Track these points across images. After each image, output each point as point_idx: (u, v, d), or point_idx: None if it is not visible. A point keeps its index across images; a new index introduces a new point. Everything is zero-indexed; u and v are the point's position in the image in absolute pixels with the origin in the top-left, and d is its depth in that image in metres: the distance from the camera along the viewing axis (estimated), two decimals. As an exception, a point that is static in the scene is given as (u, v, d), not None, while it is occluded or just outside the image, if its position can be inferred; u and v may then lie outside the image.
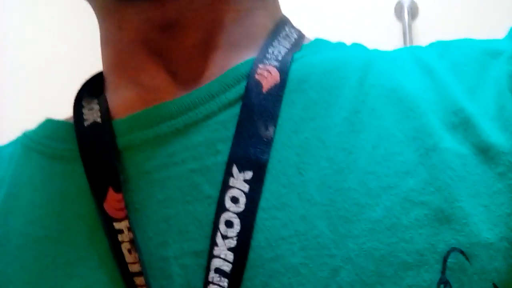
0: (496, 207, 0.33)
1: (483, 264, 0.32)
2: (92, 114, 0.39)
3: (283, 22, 0.43)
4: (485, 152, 0.34)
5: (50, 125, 0.42)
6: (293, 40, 0.41)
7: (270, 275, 0.32)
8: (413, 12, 1.52)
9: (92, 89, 0.43)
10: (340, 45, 0.43)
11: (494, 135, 0.34)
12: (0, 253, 0.38)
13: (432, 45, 0.42)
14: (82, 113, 0.40)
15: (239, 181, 0.34)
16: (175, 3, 0.38)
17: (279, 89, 0.37)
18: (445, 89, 0.36)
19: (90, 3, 0.42)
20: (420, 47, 0.42)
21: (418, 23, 1.51)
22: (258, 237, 0.33)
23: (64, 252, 0.36)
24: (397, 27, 1.51)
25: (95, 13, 0.42)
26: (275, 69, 0.37)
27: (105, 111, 0.39)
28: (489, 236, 0.32)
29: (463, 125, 0.35)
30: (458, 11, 1.48)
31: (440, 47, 0.41)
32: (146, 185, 0.36)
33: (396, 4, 1.53)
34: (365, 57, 0.40)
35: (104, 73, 0.43)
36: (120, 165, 0.37)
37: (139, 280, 0.33)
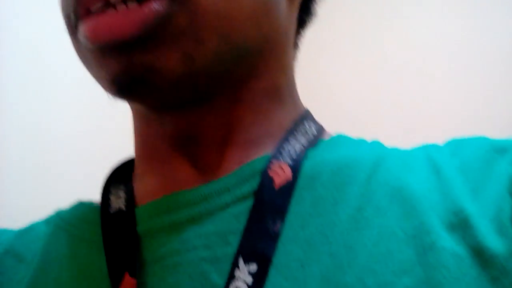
0: None
1: None
2: (117, 202, 0.43)
3: (302, 118, 0.45)
4: (481, 254, 0.35)
5: (81, 208, 0.45)
6: (311, 136, 0.44)
7: None
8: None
9: (121, 175, 0.46)
10: (360, 142, 0.45)
11: (490, 237, 0.35)
12: None
13: (448, 143, 0.43)
14: (109, 199, 0.43)
15: (244, 273, 0.36)
16: (197, 114, 0.42)
17: (290, 186, 0.39)
18: (449, 189, 0.38)
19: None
20: (435, 146, 0.43)
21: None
22: None
23: None
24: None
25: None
26: (288, 167, 0.40)
27: (130, 200, 0.43)
28: None
29: (461, 225, 0.36)
30: None
31: (454, 145, 0.42)
32: (159, 269, 0.38)
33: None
34: (377, 155, 0.41)
35: (135, 161, 0.47)
36: (138, 250, 0.39)
37: None
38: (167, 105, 0.41)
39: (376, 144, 0.45)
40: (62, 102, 1.55)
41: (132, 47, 0.36)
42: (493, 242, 0.35)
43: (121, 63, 0.36)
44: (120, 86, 0.38)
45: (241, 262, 0.36)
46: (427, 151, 0.42)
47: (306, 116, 0.46)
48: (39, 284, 0.42)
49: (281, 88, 0.45)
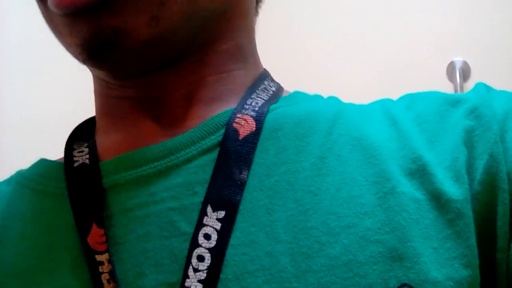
0: (445, 251, 0.35)
1: None
2: (81, 156, 0.43)
3: (262, 77, 0.47)
4: (438, 199, 0.37)
5: (43, 164, 0.46)
6: (271, 92, 0.46)
7: None
8: (465, 73, 1.53)
9: (84, 133, 0.47)
10: (316, 97, 0.47)
11: (446, 183, 0.37)
12: None
13: (402, 97, 0.46)
14: (73, 155, 0.44)
15: (212, 219, 0.37)
16: (161, 77, 0.43)
17: (254, 136, 0.41)
18: (407, 139, 0.40)
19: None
20: (390, 100, 0.45)
21: (469, 85, 1.52)
22: (227, 271, 0.36)
23: (49, 281, 0.39)
24: (448, 88, 1.52)
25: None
26: (252, 118, 0.41)
27: (93, 154, 0.43)
28: (437, 275, 0.34)
29: (419, 172, 0.38)
30: (511, 73, 1.47)
31: (408, 99, 0.44)
32: (128, 221, 0.39)
33: (448, 65, 1.55)
34: (337, 108, 0.43)
35: (96, 118, 0.48)
36: (105, 203, 0.40)
37: None
38: (133, 72, 0.42)
39: (334, 99, 0.47)
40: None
41: (99, 11, 0.37)
42: (449, 188, 0.37)
43: (90, 27, 0.38)
44: (89, 51, 0.39)
45: (209, 209, 0.37)
46: (383, 105, 0.44)
47: (266, 75, 0.48)
48: (2, 241, 0.42)
49: (244, 49, 0.46)
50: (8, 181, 0.48)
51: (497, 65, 1.52)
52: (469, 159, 0.38)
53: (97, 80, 0.47)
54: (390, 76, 1.56)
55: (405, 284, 0.34)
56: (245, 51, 0.47)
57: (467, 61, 1.54)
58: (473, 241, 0.36)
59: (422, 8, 1.60)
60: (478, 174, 0.37)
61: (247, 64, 0.47)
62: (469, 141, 0.38)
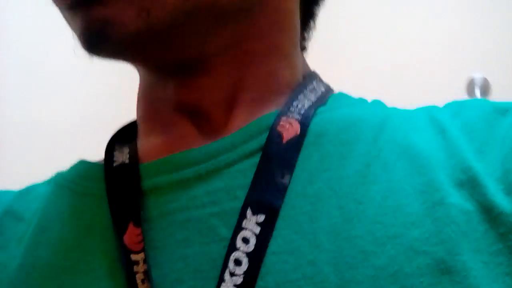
0: (495, 266, 0.34)
1: None
2: (121, 156, 0.43)
3: (311, 77, 0.46)
4: (489, 211, 0.35)
5: (83, 165, 0.46)
6: (320, 93, 0.44)
7: None
8: (485, 89, 1.52)
9: (126, 136, 0.47)
10: (361, 101, 0.46)
11: (498, 196, 0.35)
12: (26, 280, 0.41)
13: (448, 105, 0.44)
14: (113, 155, 0.43)
15: (252, 223, 0.36)
16: (197, 80, 0.43)
17: (298, 141, 0.39)
18: (455, 148, 0.38)
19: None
20: (436, 107, 0.44)
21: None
22: (267, 278, 0.34)
23: (85, 282, 0.38)
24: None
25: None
26: (296, 122, 0.40)
27: (134, 154, 0.43)
28: None
29: (469, 183, 0.36)
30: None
31: (455, 107, 0.43)
32: (167, 225, 0.38)
33: (469, 82, 1.54)
34: (382, 114, 0.42)
35: (137, 122, 0.48)
36: (144, 205, 0.40)
37: None
38: (148, 61, 0.43)
39: (378, 103, 0.46)
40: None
41: (92, 3, 0.37)
42: (501, 200, 0.35)
43: (83, 19, 0.38)
44: (85, 42, 0.39)
45: (249, 212, 0.36)
46: (429, 111, 0.43)
47: (314, 75, 0.47)
48: (40, 241, 0.42)
49: (283, 48, 0.45)
50: (48, 182, 0.48)
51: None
52: None
53: (141, 82, 0.47)
54: (409, 90, 1.55)
55: None
56: (286, 50, 0.45)
57: (487, 78, 1.53)
58: None
59: (443, 24, 1.59)
60: None
61: (290, 64, 0.45)
62: None
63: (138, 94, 0.47)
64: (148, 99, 0.46)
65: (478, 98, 1.45)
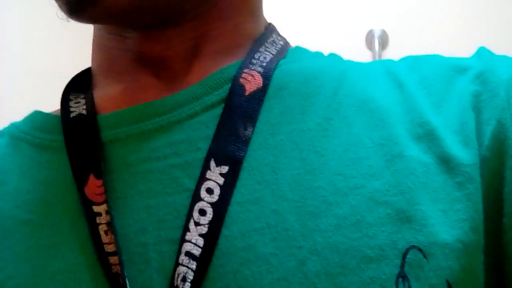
0: (454, 213, 0.35)
1: (439, 262, 0.34)
2: (78, 107, 0.42)
3: (270, 30, 0.46)
4: (447, 162, 0.37)
5: (38, 117, 0.44)
6: (279, 46, 0.45)
7: (241, 263, 0.34)
8: (384, 41, 1.57)
9: (80, 84, 0.45)
10: (319, 54, 0.46)
11: (455, 148, 0.37)
12: None
13: (403, 59, 0.45)
14: (69, 106, 0.42)
15: (215, 174, 0.36)
16: (162, 33, 0.42)
17: (261, 93, 0.40)
18: (413, 102, 0.39)
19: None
20: (392, 61, 0.45)
21: (388, 53, 1.56)
22: (232, 228, 0.35)
23: (47, 235, 0.38)
24: (367, 56, 1.56)
25: None
26: (259, 75, 0.40)
27: (91, 105, 0.42)
28: (446, 237, 0.35)
29: (427, 136, 0.38)
30: (427, 41, 1.53)
31: (411, 61, 0.44)
32: (129, 176, 0.38)
33: (367, 33, 1.58)
34: (341, 67, 0.43)
35: (92, 71, 0.46)
36: (104, 156, 0.39)
37: (113, 259, 0.35)
38: (129, 25, 0.41)
39: (335, 57, 0.46)
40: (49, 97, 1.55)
41: None
42: (458, 151, 0.37)
43: None
44: (69, 6, 0.38)
45: (212, 164, 0.37)
46: (386, 65, 0.43)
47: (273, 28, 0.47)
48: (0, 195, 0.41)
49: (251, 3, 0.45)
50: (1, 134, 0.46)
51: (414, 33, 1.57)
52: (476, 123, 0.38)
53: (97, 31, 0.45)
54: (310, 44, 1.57)
55: (413, 246, 0.34)
56: (254, 5, 0.46)
57: (386, 30, 1.58)
58: (480, 206, 0.36)
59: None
60: (486, 139, 0.37)
61: (253, 17, 0.45)
62: (476, 106, 0.38)
63: (93, 43, 0.46)
64: (105, 49, 0.44)
65: (376, 49, 1.51)
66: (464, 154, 0.37)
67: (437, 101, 0.40)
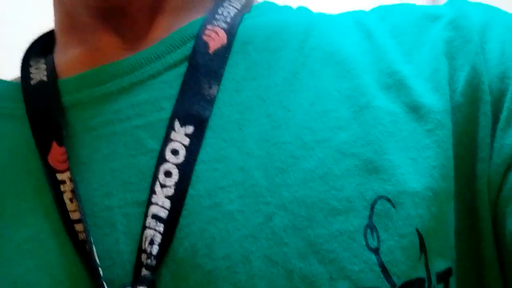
0: (423, 160, 0.35)
1: (408, 211, 0.34)
2: (39, 73, 0.41)
3: None
4: (416, 110, 0.36)
5: None
6: (244, 1, 0.43)
7: (207, 221, 0.33)
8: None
9: (41, 49, 0.44)
10: (286, 8, 0.45)
11: (426, 95, 0.36)
12: None
13: (374, 9, 0.44)
14: (30, 72, 0.41)
15: (180, 134, 0.36)
16: None
17: (225, 50, 0.39)
18: (382, 52, 0.39)
19: None
20: (363, 11, 0.44)
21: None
22: (198, 187, 0.34)
23: (12, 204, 0.37)
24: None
25: None
26: (223, 31, 0.39)
27: (51, 70, 0.41)
28: (415, 185, 0.34)
29: (396, 86, 0.37)
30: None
31: (382, 10, 0.43)
32: (92, 140, 0.37)
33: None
34: (308, 21, 0.42)
35: (55, 33, 0.45)
36: (66, 122, 0.38)
37: (78, 227, 0.35)
38: None
39: (304, 9, 0.45)
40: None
41: None
42: (429, 99, 0.36)
43: None
44: None
45: (176, 124, 0.36)
46: (355, 16, 0.42)
47: None
48: None
49: None
50: None
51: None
52: (449, 70, 0.37)
53: None
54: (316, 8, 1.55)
55: (382, 197, 0.33)
56: None
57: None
58: (451, 153, 0.35)
59: None
60: (460, 85, 0.36)
61: None
62: (449, 52, 0.38)
63: (54, 2, 0.44)
64: (65, 7, 0.43)
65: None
66: (435, 101, 0.36)
67: (408, 49, 0.39)
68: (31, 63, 0.42)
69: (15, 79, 0.43)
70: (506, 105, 0.36)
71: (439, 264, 0.35)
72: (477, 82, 0.36)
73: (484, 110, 0.36)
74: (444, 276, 0.35)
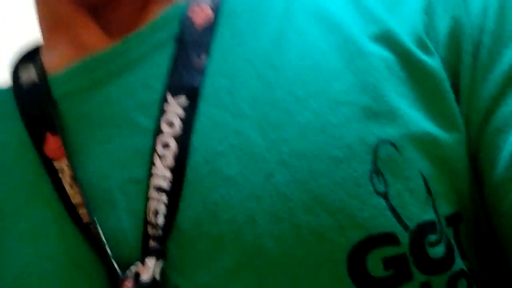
0: (422, 105, 0.34)
1: (411, 154, 0.33)
2: (28, 74, 0.41)
3: None
4: (407, 59, 0.35)
5: None
6: None
7: (209, 188, 0.33)
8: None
9: (28, 54, 0.44)
10: None
11: (413, 47, 0.35)
12: None
13: None
14: (19, 77, 0.42)
15: (174, 106, 0.35)
16: None
17: (212, 24, 0.39)
18: (368, 9, 0.38)
19: None
20: None
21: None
22: (196, 156, 0.34)
23: (11, 197, 0.37)
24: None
25: None
26: (207, 6, 0.40)
27: (41, 71, 0.41)
28: (416, 129, 0.33)
29: (385, 38, 0.36)
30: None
31: None
32: (85, 126, 0.37)
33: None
34: None
35: (40, 34, 0.45)
36: (58, 112, 0.38)
37: (82, 211, 0.35)
38: None
39: None
40: None
41: None
42: (416, 51, 0.35)
43: None
44: None
45: (169, 96, 0.36)
46: None
47: None
48: None
49: None
50: None
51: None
52: (430, 22, 0.36)
53: None
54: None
55: (384, 140, 0.33)
56: None
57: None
58: (450, 96, 0.35)
59: None
60: (442, 37, 0.36)
61: None
62: (429, 5, 0.37)
63: (36, 2, 0.44)
64: (47, 5, 0.43)
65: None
66: (421, 53, 0.35)
67: (391, 6, 0.38)
68: (20, 68, 0.43)
69: (5, 87, 0.43)
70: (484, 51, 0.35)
71: (445, 208, 0.33)
72: (458, 33, 0.36)
73: (466, 60, 0.35)
74: (452, 221, 0.34)
